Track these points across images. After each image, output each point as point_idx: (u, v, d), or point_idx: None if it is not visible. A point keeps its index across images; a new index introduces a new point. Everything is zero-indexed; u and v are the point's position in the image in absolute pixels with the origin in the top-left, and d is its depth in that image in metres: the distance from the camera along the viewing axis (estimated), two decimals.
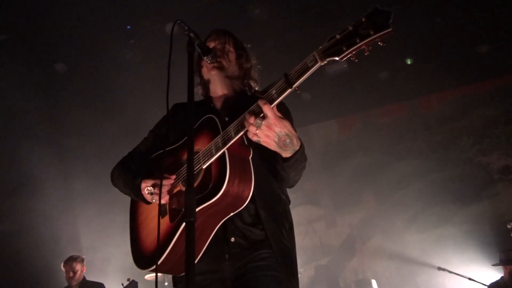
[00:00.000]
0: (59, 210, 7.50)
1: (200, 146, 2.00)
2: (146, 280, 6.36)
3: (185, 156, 2.10)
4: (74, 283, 5.79)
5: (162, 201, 2.03)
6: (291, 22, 6.45)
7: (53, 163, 7.31)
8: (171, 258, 1.95)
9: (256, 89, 2.39)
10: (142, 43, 6.54)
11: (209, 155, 1.92)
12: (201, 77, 2.37)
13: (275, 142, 1.76)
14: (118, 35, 6.44)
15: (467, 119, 7.55)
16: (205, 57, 2.15)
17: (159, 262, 1.93)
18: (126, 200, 2.36)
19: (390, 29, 1.47)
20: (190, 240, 1.35)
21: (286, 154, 1.85)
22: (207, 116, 2.06)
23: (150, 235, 2.12)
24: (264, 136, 1.75)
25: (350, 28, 1.54)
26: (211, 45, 2.30)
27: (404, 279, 7.10)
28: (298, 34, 6.55)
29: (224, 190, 1.81)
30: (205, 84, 2.38)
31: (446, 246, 6.94)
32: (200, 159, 1.95)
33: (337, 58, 1.57)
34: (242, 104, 1.91)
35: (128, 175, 2.23)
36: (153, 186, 2.03)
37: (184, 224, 1.87)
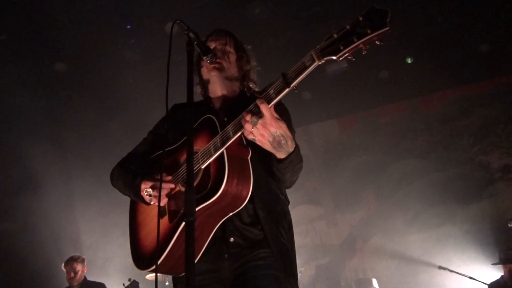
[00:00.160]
0: (60, 210, 7.52)
1: (199, 146, 2.00)
2: (147, 280, 6.37)
3: (184, 156, 2.09)
4: (75, 283, 5.79)
5: (162, 204, 2.03)
6: (291, 21, 6.44)
7: (54, 162, 7.33)
8: (170, 258, 1.95)
9: (256, 89, 2.39)
10: (142, 43, 6.53)
11: (207, 155, 1.92)
12: (200, 76, 2.37)
13: (270, 142, 1.77)
14: (119, 35, 6.44)
15: (467, 118, 7.54)
16: (205, 57, 2.14)
17: (158, 263, 1.93)
18: (127, 200, 2.36)
19: (387, 28, 1.47)
20: (189, 240, 1.35)
21: (280, 155, 1.85)
22: (206, 116, 2.06)
23: (149, 235, 2.12)
24: (259, 135, 1.76)
25: (348, 27, 1.55)
26: (212, 45, 2.29)
27: (405, 278, 7.10)
28: (298, 33, 6.55)
29: (223, 190, 1.81)
30: (204, 84, 2.38)
31: (446, 245, 6.93)
32: (199, 159, 1.95)
33: (334, 57, 1.57)
34: (241, 104, 1.90)
35: (128, 175, 2.23)
36: (152, 188, 2.03)
37: (183, 224, 1.87)
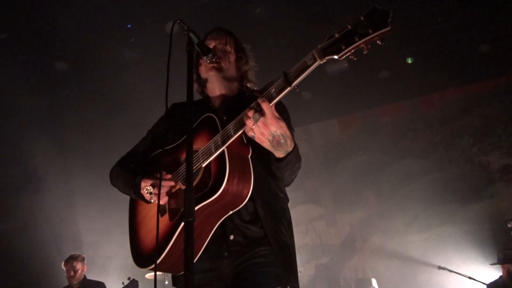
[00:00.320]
0: (61, 209, 7.52)
1: (199, 144, 2.00)
2: (147, 279, 6.38)
3: (184, 155, 2.08)
4: (74, 282, 5.80)
5: (162, 202, 2.03)
6: (292, 21, 6.44)
7: (55, 162, 7.33)
8: (171, 257, 1.95)
9: (255, 89, 2.39)
10: (142, 42, 6.54)
11: (208, 153, 1.92)
12: (198, 74, 2.36)
13: (269, 140, 1.78)
14: (119, 34, 6.44)
15: (467, 118, 7.55)
16: (205, 57, 2.14)
17: (158, 261, 1.93)
18: (128, 199, 2.36)
19: (388, 28, 1.48)
20: (189, 240, 1.35)
21: (279, 154, 1.86)
22: (206, 115, 2.06)
23: (149, 233, 2.12)
24: (259, 133, 1.77)
25: (349, 27, 1.56)
26: (212, 44, 2.28)
27: (405, 278, 7.11)
28: (299, 33, 6.54)
29: (224, 189, 1.82)
30: (202, 82, 2.37)
31: (446, 245, 6.94)
32: (199, 158, 1.95)
33: (336, 57, 1.58)
34: (240, 103, 1.91)
35: (128, 174, 2.23)
36: (153, 185, 2.03)
37: (183, 223, 1.87)
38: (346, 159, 8.10)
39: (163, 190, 2.00)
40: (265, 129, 1.75)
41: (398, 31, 6.14)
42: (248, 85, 2.37)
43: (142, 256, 2.12)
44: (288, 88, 1.69)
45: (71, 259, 5.86)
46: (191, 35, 1.91)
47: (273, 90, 1.74)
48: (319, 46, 1.62)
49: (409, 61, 7.20)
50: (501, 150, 7.23)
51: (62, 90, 7.23)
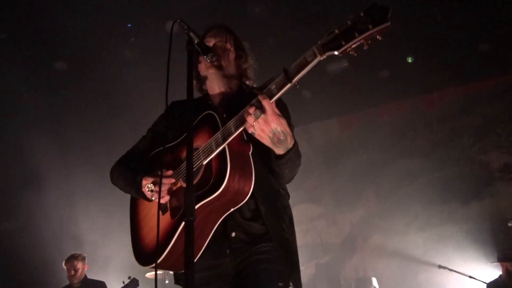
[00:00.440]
0: (61, 208, 7.53)
1: (200, 142, 2.01)
2: (147, 278, 6.38)
3: (185, 153, 2.09)
4: (75, 281, 5.81)
5: (163, 201, 2.03)
6: (292, 20, 6.44)
7: (56, 161, 7.34)
8: (172, 255, 1.95)
9: (254, 86, 2.38)
10: (142, 41, 6.54)
11: (209, 151, 1.92)
12: (198, 72, 2.35)
13: (269, 137, 1.79)
14: (119, 33, 6.44)
15: (468, 117, 7.53)
16: (205, 56, 2.13)
17: (160, 259, 1.93)
18: (129, 198, 2.37)
19: (388, 24, 1.48)
20: (189, 240, 1.35)
21: (279, 151, 1.87)
22: (207, 112, 2.06)
23: (151, 232, 2.12)
24: (260, 130, 1.77)
25: (349, 22, 1.56)
26: (211, 41, 2.27)
27: (405, 277, 7.11)
28: (299, 33, 6.54)
29: (225, 186, 1.82)
30: (202, 80, 2.37)
31: (446, 244, 6.94)
32: (200, 155, 1.96)
33: (336, 53, 1.58)
34: (240, 101, 1.92)
35: (128, 173, 2.23)
36: (154, 183, 2.04)
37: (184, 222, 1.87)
38: (346, 159, 8.09)
39: (164, 188, 2.00)
40: (266, 126, 1.75)
41: (398, 30, 6.13)
42: (248, 82, 2.37)
43: (144, 255, 2.12)
44: (289, 85, 1.69)
45: (72, 258, 5.87)
46: (191, 34, 1.92)
47: (273, 86, 1.74)
48: (319, 42, 1.61)
49: (409, 60, 7.20)
50: (501, 149, 7.22)
51: (62, 89, 7.24)
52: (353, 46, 1.54)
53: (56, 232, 7.35)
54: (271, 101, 1.73)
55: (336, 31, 1.58)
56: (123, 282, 5.63)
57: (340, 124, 8.43)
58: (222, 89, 2.31)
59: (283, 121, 1.77)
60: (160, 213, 2.06)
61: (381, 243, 7.44)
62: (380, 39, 1.50)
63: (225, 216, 1.97)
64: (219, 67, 2.24)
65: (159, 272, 5.86)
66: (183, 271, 2.07)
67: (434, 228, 7.14)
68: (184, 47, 1.90)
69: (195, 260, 1.92)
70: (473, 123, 7.48)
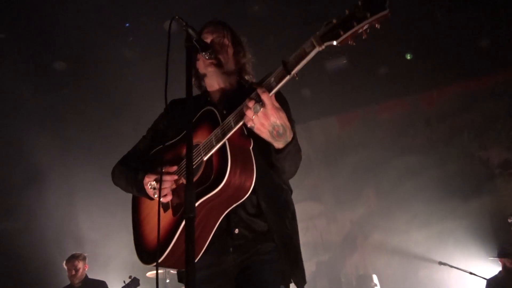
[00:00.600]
0: (62, 207, 7.52)
1: (200, 138, 2.00)
2: (148, 278, 6.38)
3: (185, 150, 2.09)
4: (76, 281, 5.81)
5: (165, 200, 2.02)
6: (291, 18, 6.43)
7: (56, 160, 7.33)
8: (174, 252, 1.94)
9: (253, 81, 2.37)
10: (141, 40, 6.54)
11: (209, 146, 1.91)
12: (196, 69, 2.32)
13: (269, 131, 1.78)
14: (117, 33, 6.44)
15: (467, 114, 7.54)
16: (204, 53, 2.11)
17: (162, 257, 1.93)
18: (130, 197, 2.37)
19: (387, 11, 1.45)
20: (189, 237, 1.35)
21: (278, 144, 1.85)
22: (206, 108, 2.05)
23: (153, 230, 2.11)
24: (259, 124, 1.76)
25: (347, 12, 1.54)
26: (209, 38, 2.24)
27: (406, 274, 7.12)
28: (298, 31, 6.53)
29: (226, 181, 1.81)
30: (200, 77, 2.35)
31: (447, 241, 6.94)
32: (200, 152, 1.95)
33: (335, 43, 1.55)
34: (240, 97, 1.89)
35: (130, 172, 2.22)
36: (156, 181, 2.03)
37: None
38: (346, 156, 8.09)
39: (167, 185, 1.99)
40: (265, 120, 1.74)
41: (397, 27, 6.13)
42: (247, 77, 2.35)
43: (146, 253, 2.12)
44: (288, 77, 1.66)
45: (73, 258, 5.87)
46: (190, 31, 1.90)
47: (272, 79, 1.71)
48: (317, 33, 1.59)
49: (408, 57, 7.20)
50: (501, 145, 7.23)
51: (62, 88, 7.25)
52: (352, 35, 1.52)
53: (56, 231, 7.34)
54: (270, 94, 1.71)
55: (334, 21, 1.56)
56: (124, 282, 5.63)
57: (340, 122, 8.44)
58: (222, 86, 2.28)
59: (282, 115, 1.76)
60: (162, 211, 2.05)
61: (381, 240, 7.44)
62: (378, 27, 1.48)
63: (228, 212, 1.96)
64: (218, 64, 2.21)
65: (160, 271, 5.87)
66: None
67: (435, 225, 7.14)
68: (183, 46, 1.88)
69: (198, 257, 1.92)
70: (472, 120, 7.48)
